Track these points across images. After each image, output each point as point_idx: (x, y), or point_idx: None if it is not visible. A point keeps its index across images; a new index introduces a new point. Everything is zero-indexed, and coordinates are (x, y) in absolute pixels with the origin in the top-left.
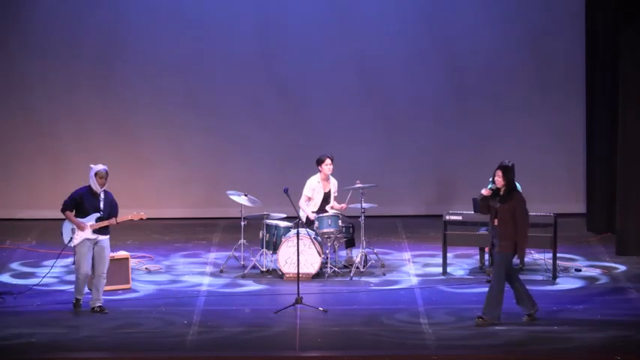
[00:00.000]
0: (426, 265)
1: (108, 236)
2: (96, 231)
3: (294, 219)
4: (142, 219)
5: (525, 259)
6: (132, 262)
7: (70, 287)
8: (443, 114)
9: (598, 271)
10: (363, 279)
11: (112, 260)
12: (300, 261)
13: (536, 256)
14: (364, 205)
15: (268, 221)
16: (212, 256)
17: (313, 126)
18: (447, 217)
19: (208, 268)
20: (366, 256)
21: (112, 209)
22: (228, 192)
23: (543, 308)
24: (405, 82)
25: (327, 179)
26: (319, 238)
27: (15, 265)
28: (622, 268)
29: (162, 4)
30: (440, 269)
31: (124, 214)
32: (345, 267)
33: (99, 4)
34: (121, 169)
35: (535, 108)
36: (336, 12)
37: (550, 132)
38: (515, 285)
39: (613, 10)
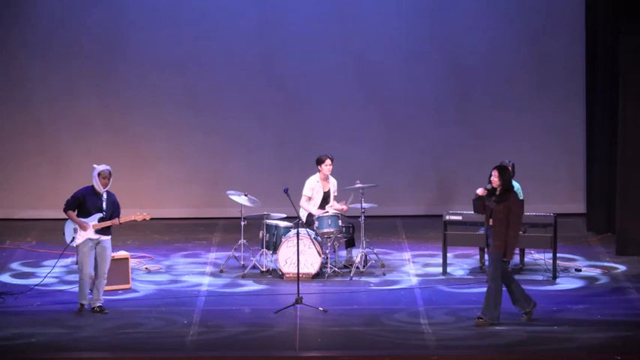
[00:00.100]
0: (426, 265)
1: (110, 236)
2: (98, 231)
3: (294, 219)
4: (145, 220)
5: (525, 259)
6: (132, 262)
7: (70, 287)
8: (443, 114)
9: (598, 271)
10: (363, 279)
11: (112, 260)
12: (300, 261)
13: (536, 256)
14: (364, 205)
15: (268, 221)
16: (212, 256)
17: (313, 126)
18: (447, 217)
19: (208, 268)
20: (366, 256)
21: (114, 210)
22: (228, 192)
23: (543, 308)
24: (405, 82)
25: (326, 179)
26: (319, 238)
27: (15, 265)
28: (622, 268)
29: (162, 4)
30: (440, 269)
31: (128, 215)
32: (345, 267)
33: (99, 4)
34: (121, 169)
35: (535, 108)
36: (336, 12)
37: (550, 132)
38: (510, 285)
39: (613, 9)
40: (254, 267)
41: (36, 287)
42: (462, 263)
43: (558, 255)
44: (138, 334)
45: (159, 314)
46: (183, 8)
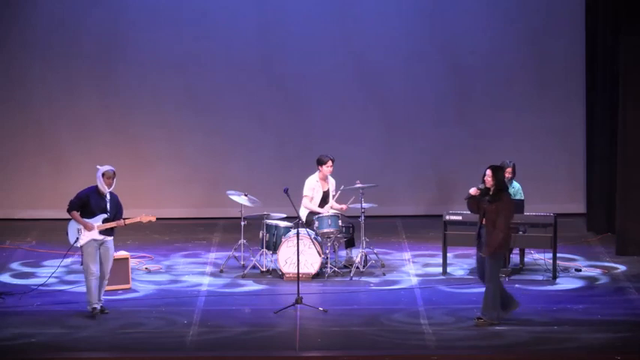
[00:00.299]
0: (426, 265)
1: (112, 237)
2: (102, 232)
3: (294, 219)
4: (151, 221)
5: (525, 259)
6: (132, 262)
7: (70, 287)
8: (443, 114)
9: (598, 271)
10: (363, 279)
11: (113, 260)
12: (300, 261)
13: (536, 256)
14: (364, 205)
15: (268, 221)
16: (212, 256)
17: (313, 126)
18: (447, 217)
19: (208, 268)
20: (366, 256)
21: (117, 210)
22: (228, 192)
23: (543, 308)
24: (405, 82)
25: (325, 179)
26: (319, 238)
27: (15, 265)
28: (622, 268)
29: (162, 4)
30: (440, 269)
31: (134, 216)
32: (345, 267)
33: (99, 4)
34: (121, 169)
35: (535, 108)
36: (336, 12)
37: (550, 132)
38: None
39: (613, 9)
40: (254, 267)
41: (39, 287)
42: (462, 263)
43: (558, 255)
44: (138, 334)
45: (159, 314)
46: (183, 8)
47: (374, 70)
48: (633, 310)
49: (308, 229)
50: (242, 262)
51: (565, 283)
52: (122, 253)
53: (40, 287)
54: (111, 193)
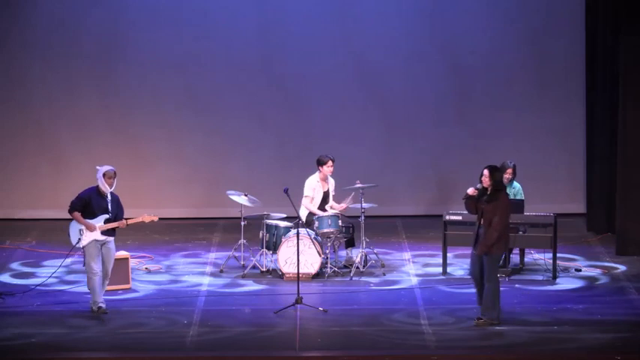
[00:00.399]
0: (426, 265)
1: (114, 237)
2: (104, 232)
3: (294, 219)
4: (153, 221)
5: (525, 259)
6: (132, 262)
7: (70, 287)
8: (443, 114)
9: (598, 271)
10: (363, 279)
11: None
12: (300, 261)
13: (536, 256)
14: (364, 205)
15: (268, 221)
16: (212, 256)
17: (313, 126)
18: (447, 217)
19: (208, 268)
20: (366, 256)
21: (119, 211)
22: (228, 192)
23: (543, 308)
24: (405, 82)
25: (325, 179)
26: (319, 238)
27: (15, 265)
28: (622, 268)
29: (162, 4)
30: (440, 269)
31: (136, 217)
32: (345, 267)
33: (99, 4)
34: (121, 169)
35: (535, 108)
36: (336, 12)
37: (550, 132)
38: (482, 286)
39: (613, 9)
40: (254, 267)
41: (37, 287)
42: (462, 263)
43: (558, 255)
44: (138, 334)
45: (159, 314)
46: (183, 8)
47: (374, 70)
48: (633, 310)
49: (308, 229)
50: (242, 262)
51: (565, 283)
52: (122, 253)
53: (40, 287)
54: (112, 193)
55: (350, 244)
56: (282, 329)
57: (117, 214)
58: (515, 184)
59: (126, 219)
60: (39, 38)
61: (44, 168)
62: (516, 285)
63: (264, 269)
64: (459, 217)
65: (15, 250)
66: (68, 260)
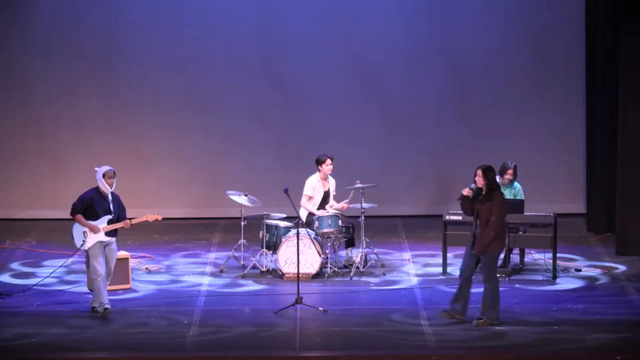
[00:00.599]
0: (426, 265)
1: (115, 238)
2: (107, 233)
3: (294, 219)
4: (157, 220)
5: (525, 259)
6: (132, 262)
7: (70, 287)
8: (443, 114)
9: (598, 271)
10: (363, 279)
11: None
12: (300, 261)
13: (536, 256)
14: (364, 205)
15: (268, 221)
16: (212, 256)
17: (313, 126)
18: (447, 217)
19: (208, 268)
20: (366, 256)
21: (121, 211)
22: (228, 192)
23: (543, 308)
24: (404, 82)
25: (325, 178)
26: (319, 238)
27: (15, 265)
28: (622, 268)
29: (162, 4)
30: (440, 269)
31: (139, 216)
32: (345, 267)
33: (99, 4)
34: (121, 169)
35: (535, 108)
36: (336, 12)
37: (550, 132)
38: (466, 285)
39: (613, 9)
40: (254, 267)
41: (33, 287)
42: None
43: (558, 255)
44: (138, 334)
45: (159, 314)
46: (183, 8)
47: (374, 70)
48: (633, 310)
49: (308, 229)
50: (242, 262)
51: (565, 283)
52: (122, 253)
53: (40, 287)
54: (112, 193)
55: (350, 244)
56: (282, 329)
57: (119, 214)
58: (516, 184)
59: (129, 219)
60: (39, 38)
61: (44, 168)
62: (516, 285)
63: (264, 269)
64: (459, 217)
65: (15, 250)
66: (68, 260)
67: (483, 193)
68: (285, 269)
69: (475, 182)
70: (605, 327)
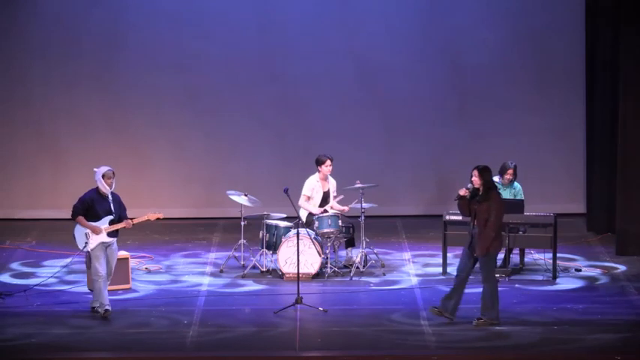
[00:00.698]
0: (426, 265)
1: (116, 238)
2: (108, 234)
3: (294, 219)
4: (159, 219)
5: (525, 259)
6: (132, 262)
7: (70, 287)
8: (443, 114)
9: (598, 271)
10: (363, 279)
11: None
12: (300, 261)
13: (536, 256)
14: (364, 205)
15: (268, 221)
16: (212, 256)
17: (313, 126)
18: (447, 217)
19: (208, 268)
20: (366, 256)
21: (121, 211)
22: (228, 192)
23: (543, 308)
24: (405, 81)
25: (325, 179)
26: (319, 238)
27: (15, 265)
28: (622, 268)
29: (162, 4)
30: (440, 269)
31: (140, 215)
32: (345, 267)
33: (99, 4)
34: (121, 169)
35: (535, 108)
36: (336, 12)
37: (550, 132)
38: (461, 285)
39: (613, 9)
40: (254, 267)
41: (33, 287)
42: None
43: (558, 255)
44: (138, 334)
45: (159, 314)
46: (183, 8)
47: (374, 70)
48: (633, 310)
49: (308, 229)
50: (242, 262)
51: (565, 283)
52: (122, 253)
53: (40, 287)
54: (112, 193)
55: (350, 244)
56: (282, 329)
57: (120, 214)
58: (516, 184)
59: (131, 219)
60: (39, 38)
61: (44, 168)
62: (516, 285)
63: (264, 269)
64: (459, 217)
65: (15, 250)
66: (68, 260)
67: (480, 193)
68: (285, 269)
69: (472, 182)
70: (605, 327)
